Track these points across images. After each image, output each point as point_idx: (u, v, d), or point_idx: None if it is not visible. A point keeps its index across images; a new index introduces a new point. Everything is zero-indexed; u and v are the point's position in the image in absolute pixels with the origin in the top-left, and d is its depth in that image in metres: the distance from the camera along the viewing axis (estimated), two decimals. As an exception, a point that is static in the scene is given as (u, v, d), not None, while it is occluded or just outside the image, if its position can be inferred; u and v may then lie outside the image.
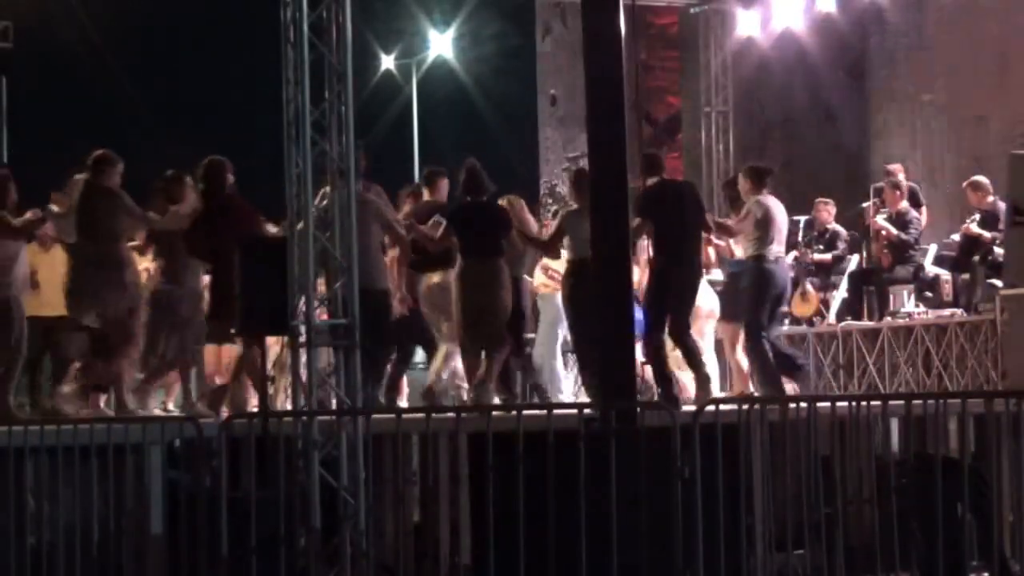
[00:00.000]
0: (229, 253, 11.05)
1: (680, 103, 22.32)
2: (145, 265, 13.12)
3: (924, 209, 16.54)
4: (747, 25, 20.40)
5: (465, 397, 13.14)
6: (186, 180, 12.67)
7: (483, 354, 12.48)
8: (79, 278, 12.28)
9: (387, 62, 34.78)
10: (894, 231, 15.90)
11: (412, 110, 33.75)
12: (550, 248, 13.16)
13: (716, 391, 13.19)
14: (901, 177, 16.67)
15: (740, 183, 13.50)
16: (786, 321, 15.23)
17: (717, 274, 14.57)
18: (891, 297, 16.12)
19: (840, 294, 16.53)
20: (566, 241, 12.74)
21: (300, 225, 10.72)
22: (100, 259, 12.18)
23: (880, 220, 16.15)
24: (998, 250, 14.80)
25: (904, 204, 16.08)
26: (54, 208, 12.92)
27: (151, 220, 12.57)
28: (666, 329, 12.53)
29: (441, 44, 34.61)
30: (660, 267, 12.47)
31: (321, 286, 11.09)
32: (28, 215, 12.44)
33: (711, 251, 14.44)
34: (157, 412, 12.71)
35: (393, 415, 10.84)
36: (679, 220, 12.54)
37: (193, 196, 12.53)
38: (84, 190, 12.37)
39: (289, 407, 11.28)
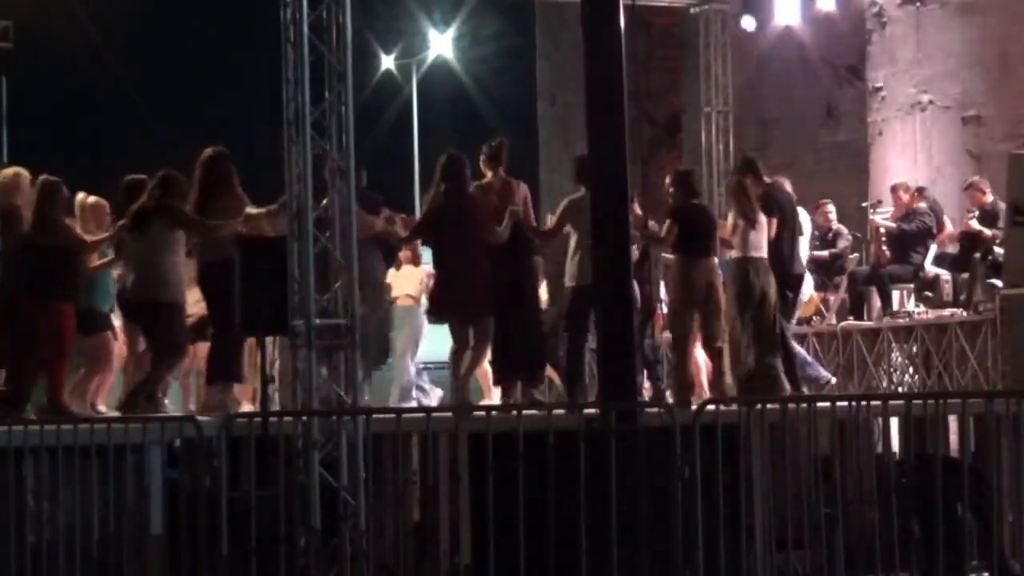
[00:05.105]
0: None
1: (680, 103, 22.34)
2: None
3: (947, 223, 16.32)
4: (747, 25, 20.39)
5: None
6: None
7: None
8: None
9: (387, 62, 34.85)
10: (893, 225, 15.87)
11: (412, 110, 33.81)
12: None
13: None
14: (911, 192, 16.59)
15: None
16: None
17: None
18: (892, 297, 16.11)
19: (840, 294, 16.53)
20: None
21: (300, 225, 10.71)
22: None
23: (878, 219, 16.14)
24: (998, 249, 14.79)
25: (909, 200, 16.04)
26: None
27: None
28: None
29: (441, 44, 34.66)
30: None
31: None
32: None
33: None
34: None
35: (393, 415, 10.85)
36: None
37: None
38: None
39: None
